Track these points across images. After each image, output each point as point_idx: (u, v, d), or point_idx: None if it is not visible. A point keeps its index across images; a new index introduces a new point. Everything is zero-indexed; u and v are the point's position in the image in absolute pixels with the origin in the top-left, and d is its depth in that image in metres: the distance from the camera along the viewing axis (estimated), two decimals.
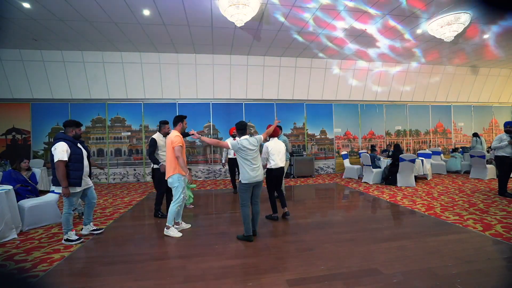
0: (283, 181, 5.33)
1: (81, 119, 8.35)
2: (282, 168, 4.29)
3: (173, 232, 3.73)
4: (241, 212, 3.52)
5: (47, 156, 8.22)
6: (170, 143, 3.70)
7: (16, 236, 3.70)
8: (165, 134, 4.64)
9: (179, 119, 3.91)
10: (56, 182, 3.39)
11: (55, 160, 3.29)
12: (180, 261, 2.99)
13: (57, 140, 3.40)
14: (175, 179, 3.73)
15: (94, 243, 3.56)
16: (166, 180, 4.41)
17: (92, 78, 8.12)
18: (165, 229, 3.77)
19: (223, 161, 6.56)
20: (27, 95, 8.03)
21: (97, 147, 8.47)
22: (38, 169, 5.67)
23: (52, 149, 3.36)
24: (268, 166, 4.21)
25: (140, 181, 8.59)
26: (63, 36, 6.66)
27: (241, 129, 3.60)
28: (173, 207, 3.73)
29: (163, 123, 4.64)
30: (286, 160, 5.21)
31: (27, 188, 4.66)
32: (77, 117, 8.33)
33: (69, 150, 3.37)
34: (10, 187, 3.89)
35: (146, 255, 3.11)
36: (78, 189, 3.49)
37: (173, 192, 3.78)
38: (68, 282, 2.58)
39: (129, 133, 8.63)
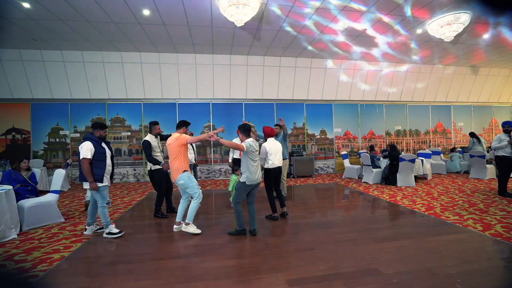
0: (285, 182, 5.34)
1: (81, 119, 8.43)
2: (279, 168, 4.31)
3: (192, 228, 3.74)
4: (234, 208, 3.68)
5: (47, 156, 8.24)
6: (178, 142, 3.71)
7: (16, 236, 3.70)
8: (157, 135, 4.64)
9: (184, 124, 4.08)
10: (83, 178, 3.59)
11: (80, 157, 3.55)
12: (180, 261, 2.99)
13: (84, 139, 3.67)
14: (186, 179, 3.73)
15: (94, 243, 3.56)
16: (164, 180, 4.44)
17: (92, 78, 8.12)
18: (183, 225, 3.79)
19: (230, 161, 6.58)
20: (27, 95, 8.03)
21: None
22: (38, 169, 5.66)
23: (79, 147, 3.62)
24: (266, 166, 4.22)
25: (140, 181, 8.59)
26: (63, 36, 6.65)
27: (248, 131, 3.70)
28: (193, 205, 3.75)
29: (154, 123, 4.64)
30: (285, 158, 5.19)
31: (26, 188, 4.66)
32: (77, 117, 8.37)
33: (93, 149, 3.60)
34: (10, 187, 3.89)
35: (146, 255, 3.11)
36: (101, 184, 3.63)
37: (190, 192, 3.78)
38: (68, 282, 2.58)
39: (129, 133, 8.64)
